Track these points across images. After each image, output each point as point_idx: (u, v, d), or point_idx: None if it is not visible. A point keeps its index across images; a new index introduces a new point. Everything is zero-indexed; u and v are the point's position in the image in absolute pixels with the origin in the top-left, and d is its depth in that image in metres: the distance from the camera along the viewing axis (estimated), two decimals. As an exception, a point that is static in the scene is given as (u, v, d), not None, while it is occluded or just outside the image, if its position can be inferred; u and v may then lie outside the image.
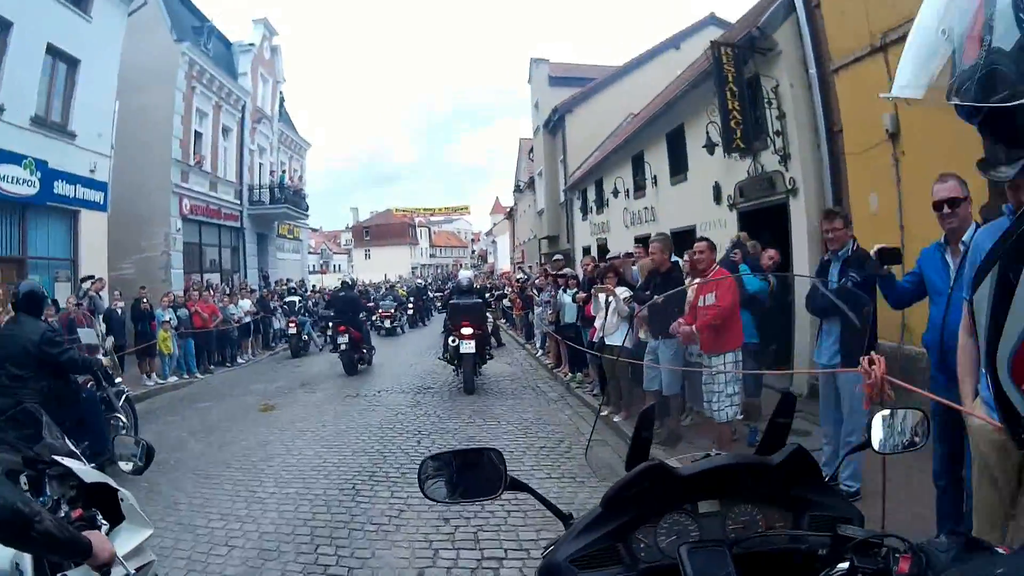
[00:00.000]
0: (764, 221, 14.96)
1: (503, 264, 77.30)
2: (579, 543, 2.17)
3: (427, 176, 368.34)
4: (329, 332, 23.98)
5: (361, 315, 22.58)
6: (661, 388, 7.23)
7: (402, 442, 11.52)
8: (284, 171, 43.63)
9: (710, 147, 16.78)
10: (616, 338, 11.54)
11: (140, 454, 4.02)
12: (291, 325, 27.00)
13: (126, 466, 4.01)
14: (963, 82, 1.20)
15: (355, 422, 13.19)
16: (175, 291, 23.48)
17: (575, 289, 15.50)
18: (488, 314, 20.69)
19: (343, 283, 25.39)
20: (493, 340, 22.63)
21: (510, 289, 31.44)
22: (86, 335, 12.57)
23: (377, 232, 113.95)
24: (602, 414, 11.04)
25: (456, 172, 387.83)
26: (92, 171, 22.48)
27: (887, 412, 2.61)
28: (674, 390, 7.38)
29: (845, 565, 1.84)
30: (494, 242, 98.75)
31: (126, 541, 3.63)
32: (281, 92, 45.73)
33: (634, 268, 13.21)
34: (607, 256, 18.99)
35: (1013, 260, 1.10)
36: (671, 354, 7.70)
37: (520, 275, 33.32)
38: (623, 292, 11.91)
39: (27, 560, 3.02)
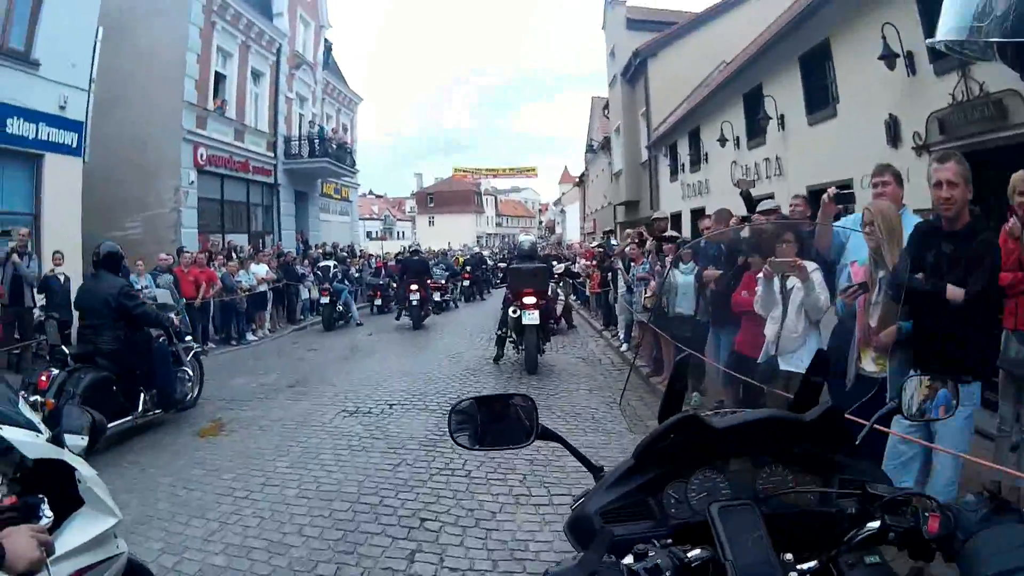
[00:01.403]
0: (981, 169, 9.71)
1: (572, 235, 73.85)
2: (610, 496, 2.19)
3: (492, 145, 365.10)
4: (378, 300, 28.00)
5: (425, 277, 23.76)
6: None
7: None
8: (326, 124, 39.01)
9: (890, 60, 12.24)
10: (799, 358, 6.34)
11: (84, 428, 3.56)
12: (324, 295, 23.98)
13: (76, 440, 3.48)
14: (1001, 21, 0.96)
15: (325, 484, 8.05)
16: (163, 254, 19.68)
17: (690, 263, 10.42)
18: (558, 290, 20.24)
19: (411, 247, 27.28)
20: (563, 321, 21.40)
21: (584, 261, 26.68)
22: (162, 295, 13.81)
23: (441, 199, 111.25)
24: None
25: (523, 142, 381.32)
26: (62, 107, 18.62)
27: (918, 379, 2.62)
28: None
29: (875, 524, 1.87)
30: (563, 211, 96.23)
31: (81, 531, 3.23)
32: (327, 39, 41.55)
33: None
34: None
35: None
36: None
37: (597, 243, 28.27)
38: (813, 271, 6.58)
39: None
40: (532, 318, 14.40)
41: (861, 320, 5.36)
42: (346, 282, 26.04)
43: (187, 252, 20.49)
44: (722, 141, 22.22)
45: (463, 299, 34.22)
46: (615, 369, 15.21)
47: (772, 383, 6.08)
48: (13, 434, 3.16)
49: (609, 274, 19.38)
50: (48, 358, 10.50)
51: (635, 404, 10.23)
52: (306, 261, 27.69)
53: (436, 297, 27.36)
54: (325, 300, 23.89)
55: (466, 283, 35.35)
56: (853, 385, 5.28)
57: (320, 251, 29.88)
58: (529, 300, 14.48)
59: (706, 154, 25.16)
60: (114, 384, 9.47)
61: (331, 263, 26.13)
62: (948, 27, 5.82)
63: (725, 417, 2.40)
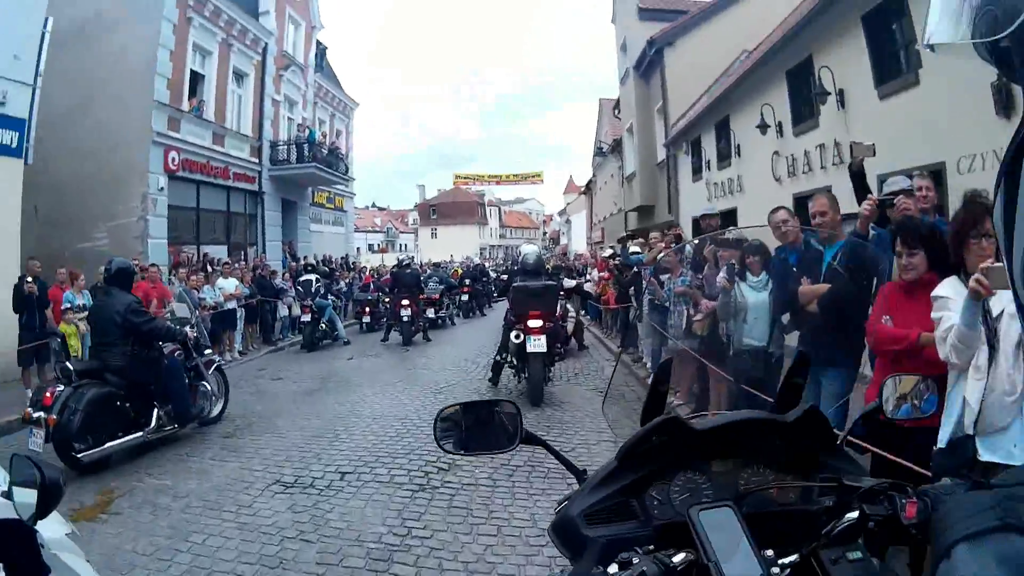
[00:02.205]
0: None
1: (578, 246, 71.24)
2: (593, 498, 2.22)
3: (497, 157, 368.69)
4: (366, 317, 26.37)
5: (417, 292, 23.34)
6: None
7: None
8: (315, 129, 37.38)
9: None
10: (1011, 442, 4.35)
11: (34, 482, 2.59)
12: (305, 312, 22.41)
13: (24, 496, 2.59)
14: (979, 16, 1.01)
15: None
16: (102, 268, 16.39)
17: (762, 275, 7.52)
18: (567, 305, 18.47)
19: (401, 261, 27.35)
20: (573, 341, 19.02)
21: (596, 272, 23.94)
22: (179, 309, 12.84)
23: (444, 210, 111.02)
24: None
25: (528, 153, 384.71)
26: (1, 103, 17.00)
27: (898, 378, 2.65)
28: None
29: (853, 514, 1.90)
30: (568, 222, 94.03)
31: None
32: (319, 42, 39.63)
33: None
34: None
35: (1012, 169, 1.02)
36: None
37: (611, 251, 24.81)
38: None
39: None
40: (538, 345, 12.86)
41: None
42: (330, 297, 24.30)
43: (137, 264, 17.33)
44: (762, 128, 19.09)
45: (461, 315, 32.18)
46: (640, 403, 12.10)
47: (983, 472, 4.32)
48: None
49: (631, 289, 16.51)
50: (55, 375, 10.26)
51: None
52: (286, 275, 25.70)
53: (430, 313, 25.47)
54: (306, 318, 22.22)
55: (464, 297, 33.03)
56: None
57: (302, 264, 27.40)
58: (535, 324, 13.00)
59: (738, 146, 22.18)
60: (119, 400, 9.51)
61: (313, 277, 24.02)
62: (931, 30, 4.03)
63: (707, 419, 2.55)
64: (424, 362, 18.34)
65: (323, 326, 22.83)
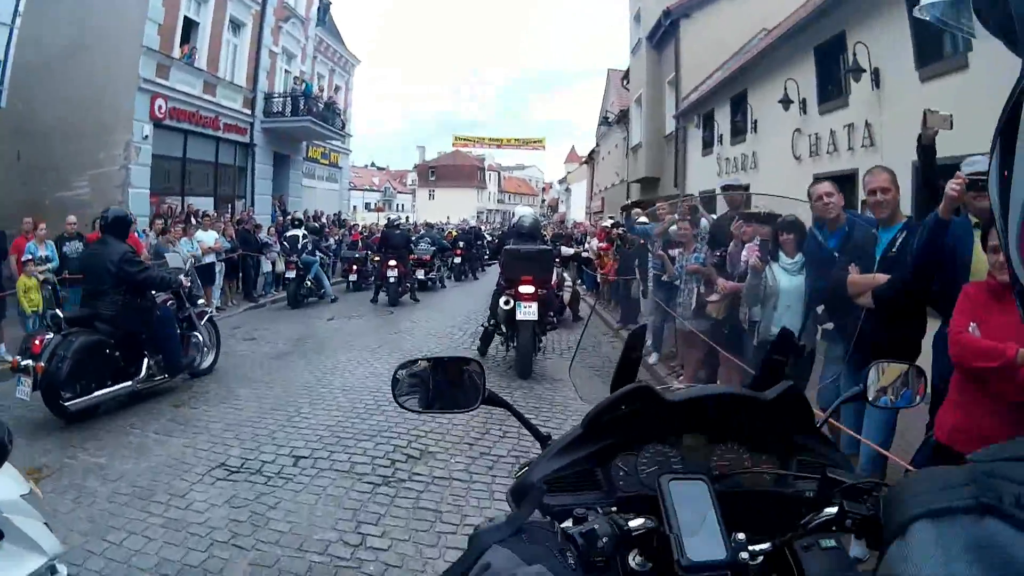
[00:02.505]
0: None
1: (577, 215, 70.06)
2: (555, 464, 2.14)
3: (500, 128, 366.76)
4: (353, 275, 25.66)
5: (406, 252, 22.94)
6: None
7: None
8: (311, 82, 36.30)
9: None
10: None
11: None
12: (290, 268, 22.04)
13: None
14: None
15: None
16: (71, 217, 16.32)
17: (798, 257, 7.03)
18: (564, 274, 18.95)
19: (391, 220, 26.66)
20: (568, 311, 18.63)
21: (596, 241, 22.70)
22: (172, 259, 13.12)
23: (444, 172, 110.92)
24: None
25: (528, 130, 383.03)
26: None
27: (883, 365, 2.57)
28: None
29: (833, 509, 1.79)
30: (567, 190, 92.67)
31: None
32: None
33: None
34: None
35: (1007, 129, 0.92)
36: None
37: (612, 221, 23.64)
38: None
39: None
40: (528, 312, 12.27)
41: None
42: (318, 254, 23.53)
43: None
44: (785, 103, 17.97)
45: (452, 278, 31.54)
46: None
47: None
48: None
49: (636, 261, 15.34)
50: (47, 323, 10.00)
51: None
52: (271, 230, 24.75)
53: (420, 275, 25.33)
54: (291, 274, 21.84)
55: (457, 260, 32.45)
56: None
57: (289, 219, 26.73)
58: (526, 290, 12.34)
59: (755, 122, 21.06)
60: (109, 348, 9.43)
61: (300, 232, 23.33)
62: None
63: (681, 390, 2.49)
64: (408, 327, 17.58)
65: (309, 283, 22.25)
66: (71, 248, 15.00)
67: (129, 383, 9.66)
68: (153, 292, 10.35)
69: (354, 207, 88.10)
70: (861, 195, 8.29)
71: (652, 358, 12.50)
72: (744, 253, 7.76)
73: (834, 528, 1.77)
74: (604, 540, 1.62)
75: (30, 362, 8.41)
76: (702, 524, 1.74)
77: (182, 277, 11.34)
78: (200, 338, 11.59)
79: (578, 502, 1.96)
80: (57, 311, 9.71)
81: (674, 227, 11.51)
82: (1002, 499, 0.88)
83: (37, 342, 8.72)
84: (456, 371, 2.51)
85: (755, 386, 2.42)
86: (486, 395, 2.39)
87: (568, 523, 1.69)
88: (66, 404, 8.56)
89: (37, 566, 2.99)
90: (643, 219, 15.33)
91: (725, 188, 10.66)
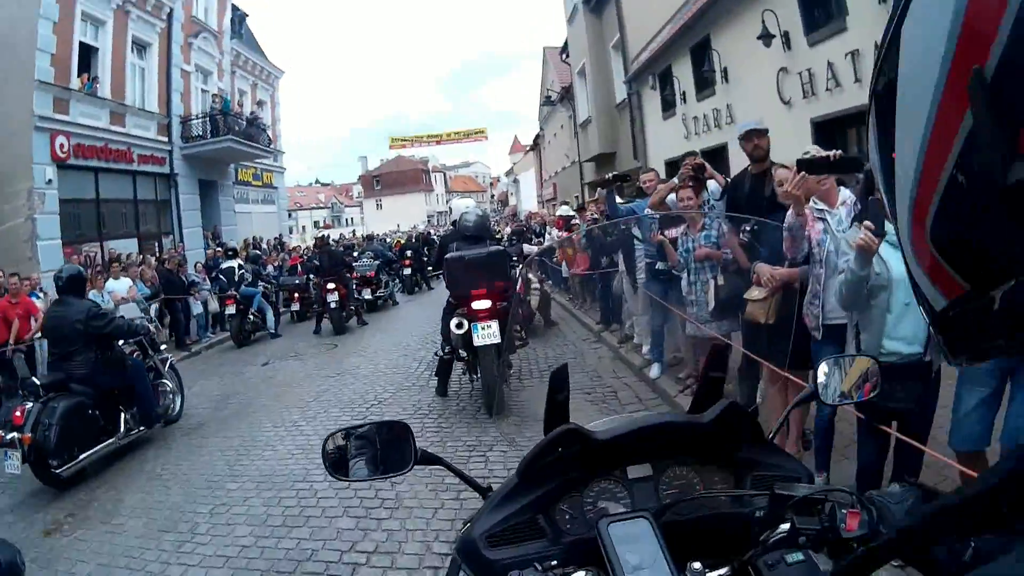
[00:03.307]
0: None
1: (528, 205, 68.81)
2: (496, 516, 2.14)
3: (442, 128, 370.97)
4: (295, 304, 23.23)
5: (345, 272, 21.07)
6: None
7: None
8: (229, 98, 33.97)
9: None
10: None
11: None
12: (229, 303, 20.05)
13: None
14: None
15: None
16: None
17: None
18: (529, 275, 13.47)
19: (320, 239, 25.62)
20: (538, 317, 14.75)
21: (556, 231, 20.87)
22: (127, 309, 13.49)
23: (388, 180, 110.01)
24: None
25: (470, 123, 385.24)
26: None
27: (834, 361, 2.53)
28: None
29: (786, 526, 1.80)
30: (515, 181, 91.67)
31: None
32: (236, 6, 36.72)
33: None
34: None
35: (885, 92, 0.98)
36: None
37: (565, 209, 22.69)
38: None
39: None
40: (488, 334, 9.89)
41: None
42: (260, 284, 21.82)
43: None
44: (766, 39, 15.76)
45: (404, 291, 29.09)
46: (641, 408, 9.20)
47: None
48: None
49: (620, 250, 12.18)
50: (20, 392, 9.76)
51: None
52: (198, 265, 22.98)
53: (367, 294, 23.48)
54: (231, 310, 19.98)
55: (407, 271, 29.92)
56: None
57: (223, 250, 24.49)
58: (481, 306, 10.02)
59: (724, 70, 19.00)
60: (90, 408, 9.32)
61: (235, 264, 21.32)
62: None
63: (612, 424, 2.36)
64: (353, 363, 15.11)
65: (252, 317, 20.54)
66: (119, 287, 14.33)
67: (112, 439, 9.66)
68: (120, 343, 10.30)
69: (303, 227, 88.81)
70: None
71: (654, 371, 10.20)
72: (819, 225, 5.56)
73: (791, 545, 1.73)
74: None
75: (15, 434, 8.31)
76: (653, 563, 1.78)
77: (147, 323, 11.83)
78: (169, 385, 11.52)
79: (521, 554, 1.99)
80: (33, 378, 9.54)
81: (672, 196, 8.99)
82: None
83: (18, 413, 8.57)
84: (385, 434, 2.44)
85: (695, 406, 2.45)
86: (418, 455, 2.36)
87: None
88: (57, 471, 8.50)
89: None
90: (639, 201, 12.44)
91: (746, 135, 7.79)
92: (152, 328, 11.88)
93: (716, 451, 2.22)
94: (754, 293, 6.21)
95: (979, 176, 0.82)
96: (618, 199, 12.44)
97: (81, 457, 8.90)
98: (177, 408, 11.68)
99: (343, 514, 7.14)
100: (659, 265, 8.97)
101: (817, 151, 5.65)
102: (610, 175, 11.49)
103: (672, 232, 8.29)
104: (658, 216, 9.42)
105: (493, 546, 2.02)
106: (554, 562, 1.93)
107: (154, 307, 14.79)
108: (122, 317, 11.36)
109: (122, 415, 9.99)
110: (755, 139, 7.54)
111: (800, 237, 5.66)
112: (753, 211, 6.83)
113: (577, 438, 2.11)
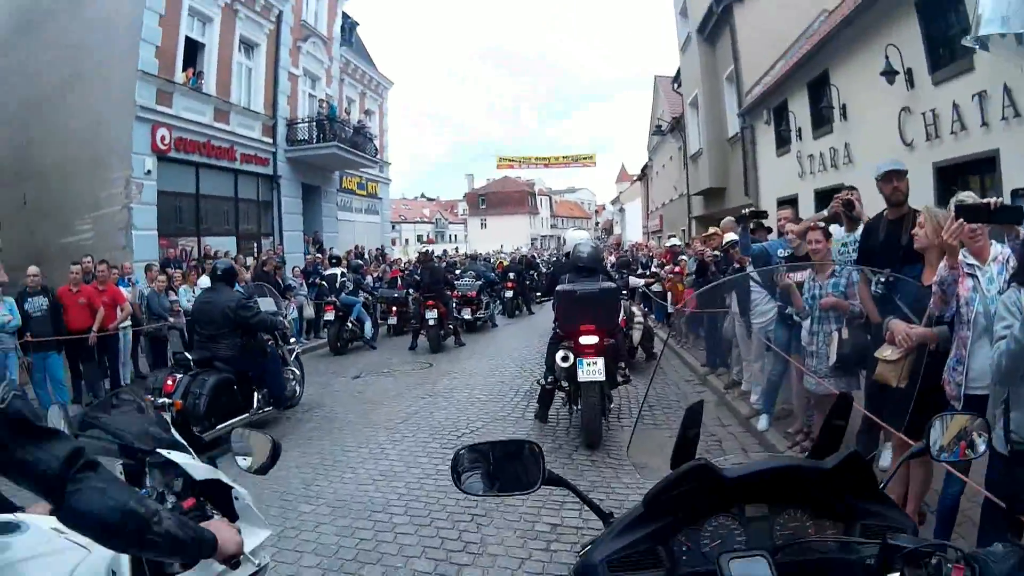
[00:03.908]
0: None
1: (633, 235, 68.08)
2: (617, 543, 2.15)
3: (545, 151, 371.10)
4: (393, 317, 22.94)
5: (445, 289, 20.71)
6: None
7: None
8: (336, 105, 33.73)
9: None
10: None
11: (267, 452, 3.60)
12: (328, 310, 19.78)
13: (244, 462, 3.53)
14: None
15: None
16: (32, 268, 13.47)
17: None
18: (633, 309, 15.22)
19: (424, 255, 24.07)
20: (640, 351, 15.24)
21: (664, 264, 20.10)
22: (265, 303, 12.91)
23: (494, 200, 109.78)
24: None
25: (574, 144, 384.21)
26: None
27: (947, 417, 2.51)
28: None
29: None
30: (621, 210, 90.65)
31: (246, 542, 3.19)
32: (347, 14, 36.55)
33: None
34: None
35: None
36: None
37: (675, 241, 22.28)
38: None
39: (124, 564, 2.74)
40: (593, 370, 9.45)
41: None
42: (361, 294, 21.50)
43: (84, 262, 15.04)
44: (889, 75, 14.65)
45: (505, 314, 28.07)
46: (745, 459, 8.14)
47: None
48: (180, 458, 3.29)
49: (729, 289, 11.44)
50: (171, 364, 11.85)
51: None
52: (296, 269, 22.67)
53: (466, 314, 22.44)
54: (330, 316, 19.65)
55: (509, 294, 28.74)
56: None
57: (328, 257, 24.25)
58: (589, 341, 9.60)
59: (843, 107, 17.84)
60: (233, 384, 10.33)
61: (338, 271, 21.09)
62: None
63: (740, 465, 2.39)
64: (446, 387, 14.31)
65: (351, 325, 20.18)
66: (34, 305, 12.71)
67: (246, 414, 10.54)
68: (262, 333, 11.46)
69: (406, 240, 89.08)
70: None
71: (762, 422, 9.63)
72: (969, 282, 4.98)
73: None
74: None
75: (166, 400, 9.31)
76: None
77: (283, 319, 13.02)
78: (296, 373, 12.63)
79: None
80: (185, 353, 10.80)
81: (810, 237, 8.27)
82: None
83: (169, 382, 9.63)
84: (513, 451, 2.50)
85: (815, 452, 2.45)
86: (546, 476, 2.39)
87: None
88: (200, 435, 9.20)
89: (265, 536, 3.42)
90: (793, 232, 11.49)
91: (885, 177, 6.74)
92: (287, 323, 13.43)
93: (830, 498, 2.22)
94: (887, 352, 5.41)
95: None
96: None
97: (219, 427, 9.67)
98: (299, 395, 12.64)
99: (421, 554, 6.54)
100: (791, 312, 8.23)
101: (971, 197, 5.14)
102: (747, 210, 10.98)
103: (796, 278, 7.86)
104: (784, 263, 9.18)
105: (613, 571, 2.06)
106: None
107: (285, 306, 15.25)
108: (264, 312, 11.93)
109: (255, 394, 10.95)
110: (895, 181, 6.60)
111: (952, 293, 4.98)
112: (887, 259, 6.23)
113: (708, 474, 2.12)
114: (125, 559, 2.68)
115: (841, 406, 2.59)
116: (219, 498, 3.37)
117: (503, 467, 2.49)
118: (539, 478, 2.39)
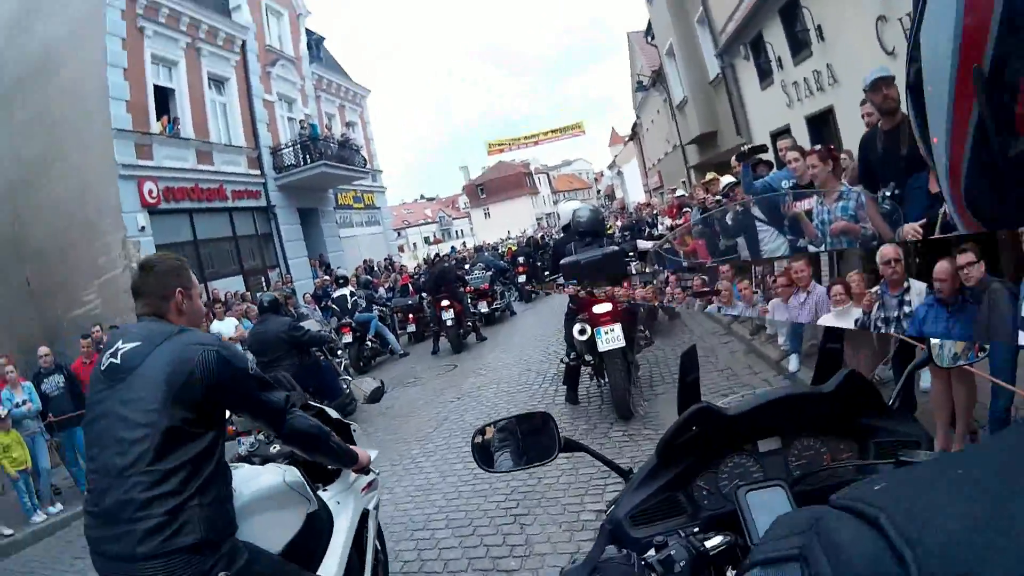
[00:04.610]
0: None
1: (636, 196, 65.97)
2: (638, 496, 2.23)
3: (536, 127, 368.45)
4: (411, 325, 22.94)
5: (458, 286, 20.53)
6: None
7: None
8: (316, 122, 33.73)
9: None
10: None
11: (380, 388, 5.71)
12: (344, 332, 19.28)
13: (361, 395, 5.72)
14: None
15: None
16: (43, 348, 13.79)
17: None
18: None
19: (432, 257, 25.65)
20: (661, 313, 15.26)
21: (669, 220, 19.80)
22: (310, 324, 14.17)
23: (492, 187, 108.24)
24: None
25: (564, 118, 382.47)
26: None
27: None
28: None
29: None
30: (619, 174, 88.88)
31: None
32: (310, 30, 36.50)
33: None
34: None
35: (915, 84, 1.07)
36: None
37: (680, 192, 22.43)
38: None
39: (295, 475, 3.99)
40: (612, 338, 9.24)
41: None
42: (374, 308, 21.37)
43: (94, 331, 15.06)
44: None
45: (521, 299, 27.85)
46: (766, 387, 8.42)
47: None
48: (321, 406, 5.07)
49: (737, 231, 11.64)
50: None
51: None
52: (306, 296, 22.58)
53: (483, 307, 22.15)
54: (348, 338, 19.12)
55: (521, 278, 28.57)
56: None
57: (333, 278, 24.11)
58: (602, 309, 9.46)
59: (819, 28, 17.39)
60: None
61: (347, 291, 20.86)
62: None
63: (741, 402, 2.44)
64: (473, 385, 14.18)
65: (371, 342, 20.13)
66: (51, 384, 12.56)
67: None
68: (314, 350, 12.38)
69: (413, 244, 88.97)
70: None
71: (792, 363, 9.38)
72: None
73: None
74: (681, 564, 1.67)
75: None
76: None
77: (330, 333, 14.34)
78: (349, 380, 12.56)
79: (663, 530, 2.02)
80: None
81: (798, 162, 8.07)
82: (814, 551, 0.90)
83: None
84: (528, 425, 2.63)
85: (816, 379, 2.47)
86: (562, 443, 2.47)
87: (651, 552, 1.73)
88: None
89: (375, 454, 4.73)
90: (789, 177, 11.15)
91: (873, 86, 6.64)
92: (333, 336, 14.50)
93: (839, 420, 2.25)
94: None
95: (990, 152, 0.96)
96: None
97: None
98: (355, 403, 12.75)
99: (467, 567, 6.38)
100: (800, 243, 8.09)
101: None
102: (745, 147, 10.68)
103: (803, 206, 7.70)
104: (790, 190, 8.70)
105: (637, 525, 2.11)
106: (695, 529, 1.95)
107: (326, 323, 16.97)
108: (312, 330, 12.95)
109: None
110: (884, 89, 6.30)
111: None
112: (889, 172, 6.02)
113: (709, 415, 2.19)
114: (293, 470, 3.93)
115: (834, 332, 2.68)
116: (343, 431, 4.80)
117: (528, 440, 2.61)
118: (555, 447, 2.49)
